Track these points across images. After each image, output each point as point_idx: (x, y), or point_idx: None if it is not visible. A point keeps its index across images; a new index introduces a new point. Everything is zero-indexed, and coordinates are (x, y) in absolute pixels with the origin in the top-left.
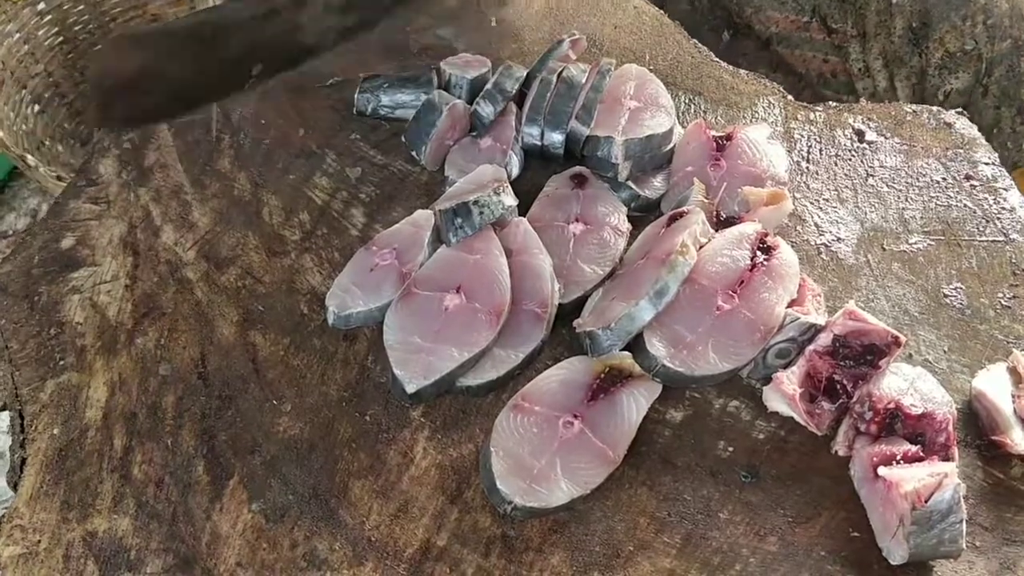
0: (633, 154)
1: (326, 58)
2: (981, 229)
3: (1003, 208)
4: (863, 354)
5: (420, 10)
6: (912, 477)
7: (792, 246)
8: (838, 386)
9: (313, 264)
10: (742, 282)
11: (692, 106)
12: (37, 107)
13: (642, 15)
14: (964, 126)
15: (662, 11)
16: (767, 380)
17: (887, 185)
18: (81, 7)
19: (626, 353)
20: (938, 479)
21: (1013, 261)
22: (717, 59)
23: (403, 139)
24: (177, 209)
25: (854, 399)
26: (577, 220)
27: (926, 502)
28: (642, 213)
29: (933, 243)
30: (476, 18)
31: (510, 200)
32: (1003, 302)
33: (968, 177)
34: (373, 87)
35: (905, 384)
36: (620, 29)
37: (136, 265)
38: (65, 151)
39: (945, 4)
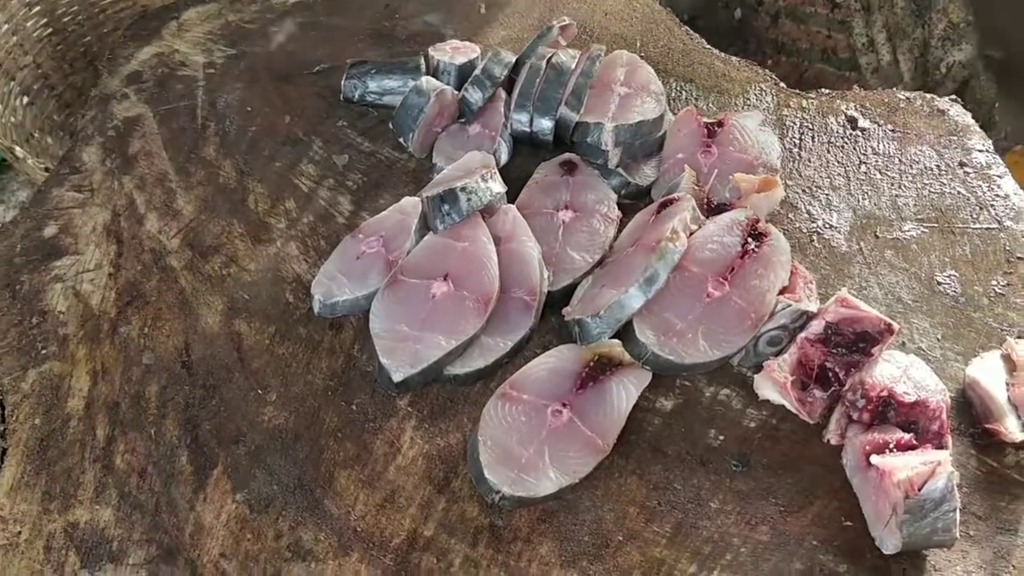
0: (623, 140)
1: (312, 45)
2: (975, 216)
3: (997, 195)
4: (855, 342)
5: None
6: (905, 466)
7: (784, 233)
8: (830, 374)
9: (299, 252)
10: (733, 269)
11: (683, 93)
12: (26, 99)
13: (633, 1)
14: (958, 113)
15: None
16: (758, 368)
17: (880, 172)
18: None
19: (615, 341)
20: (931, 467)
21: (1007, 248)
22: (708, 46)
23: (390, 126)
24: (161, 197)
25: (846, 387)
26: (566, 207)
27: (919, 490)
28: (632, 200)
29: (926, 230)
30: (465, 5)
31: (498, 187)
32: (997, 290)
33: (962, 164)
34: (360, 73)
35: (898, 372)
36: (611, 16)
37: (120, 253)
38: (54, 143)
39: None
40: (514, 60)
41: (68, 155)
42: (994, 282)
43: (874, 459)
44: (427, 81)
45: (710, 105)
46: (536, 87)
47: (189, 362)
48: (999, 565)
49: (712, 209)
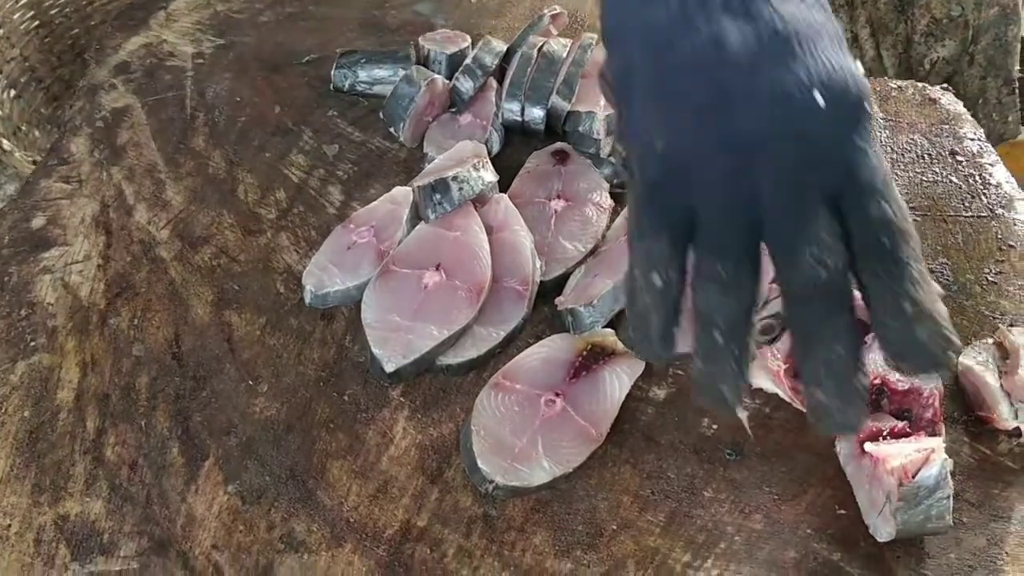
0: (611, 128)
1: (302, 34)
2: (967, 205)
3: (988, 183)
4: None
5: None
6: (899, 453)
7: None
8: None
9: (289, 242)
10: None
11: None
12: (13, 92)
13: None
14: (949, 101)
15: None
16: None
17: None
18: None
19: (608, 330)
20: (925, 455)
21: (999, 236)
22: None
23: (381, 115)
24: (151, 188)
25: None
26: (559, 197)
27: (913, 478)
28: (624, 190)
29: (919, 218)
30: None
31: (490, 176)
32: (989, 278)
33: (953, 153)
34: (350, 63)
35: None
36: None
37: (109, 245)
38: (42, 136)
39: None
40: (505, 49)
41: (56, 146)
42: (986, 270)
43: (868, 447)
44: (417, 70)
45: None
46: (527, 76)
47: (179, 353)
48: (992, 552)
49: None
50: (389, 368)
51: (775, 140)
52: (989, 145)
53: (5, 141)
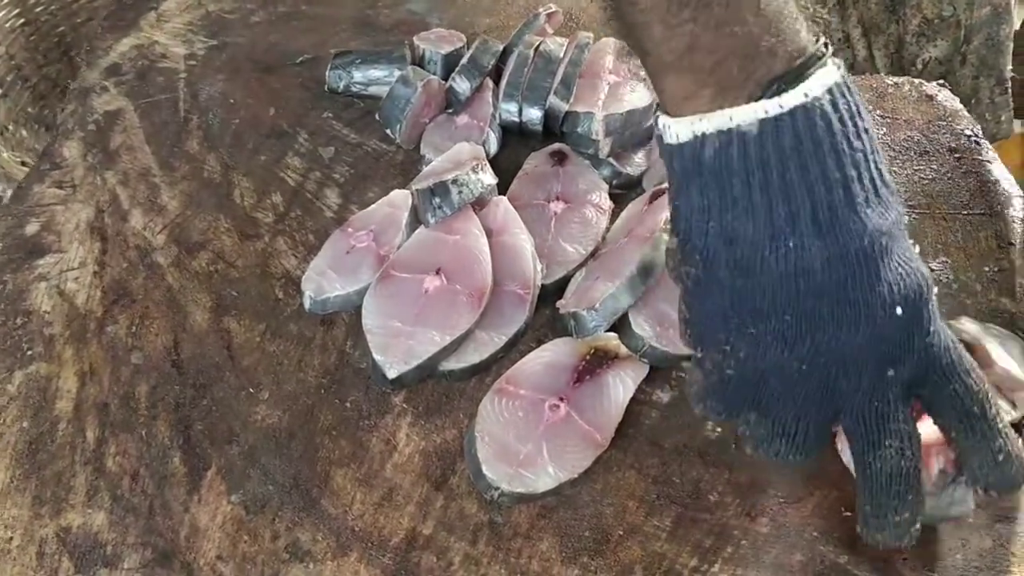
0: (614, 130)
1: (294, 35)
2: (965, 202)
3: (987, 181)
4: None
5: None
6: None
7: None
8: None
9: (287, 247)
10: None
11: None
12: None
13: None
14: (946, 98)
15: None
16: None
17: None
18: None
19: (611, 334)
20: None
21: (998, 234)
22: None
23: (377, 117)
24: (145, 192)
25: None
26: (558, 199)
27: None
28: (623, 190)
29: (918, 217)
30: None
31: (489, 178)
32: (989, 275)
33: (952, 150)
34: (345, 64)
35: None
36: (595, 2)
37: (104, 251)
38: (30, 136)
39: None
40: (501, 49)
41: (48, 150)
42: (986, 268)
43: None
44: (413, 71)
45: None
46: (524, 76)
47: (179, 361)
48: (999, 553)
49: None
50: (391, 374)
51: (857, 353)
52: (986, 142)
53: None
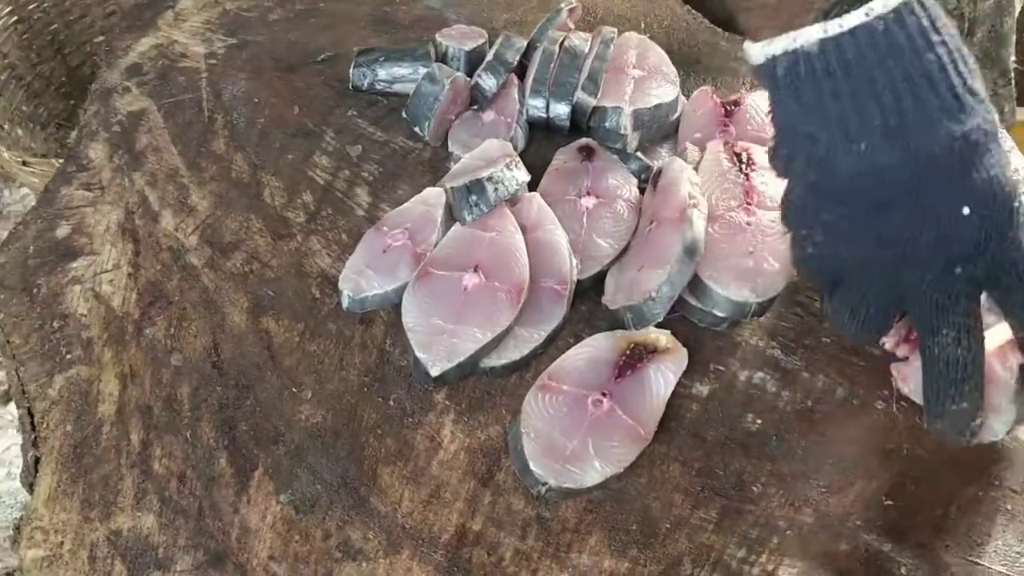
0: (642, 124)
1: (314, 32)
2: None
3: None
4: None
5: None
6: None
7: None
8: None
9: (321, 246)
10: (748, 193)
11: (692, 73)
12: None
13: None
14: None
15: None
16: None
17: None
18: None
19: (651, 328)
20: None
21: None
22: (712, 25)
23: (404, 115)
24: (174, 193)
25: None
26: (588, 194)
27: None
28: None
29: None
30: None
31: (524, 175)
32: None
33: None
34: (369, 61)
35: None
36: None
37: (137, 252)
38: (25, 135)
39: None
40: (525, 45)
41: (73, 152)
42: None
43: None
44: (439, 68)
45: (718, 85)
46: (551, 72)
47: (219, 362)
48: None
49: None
50: (434, 372)
51: (924, 249)
52: (1004, 132)
53: None
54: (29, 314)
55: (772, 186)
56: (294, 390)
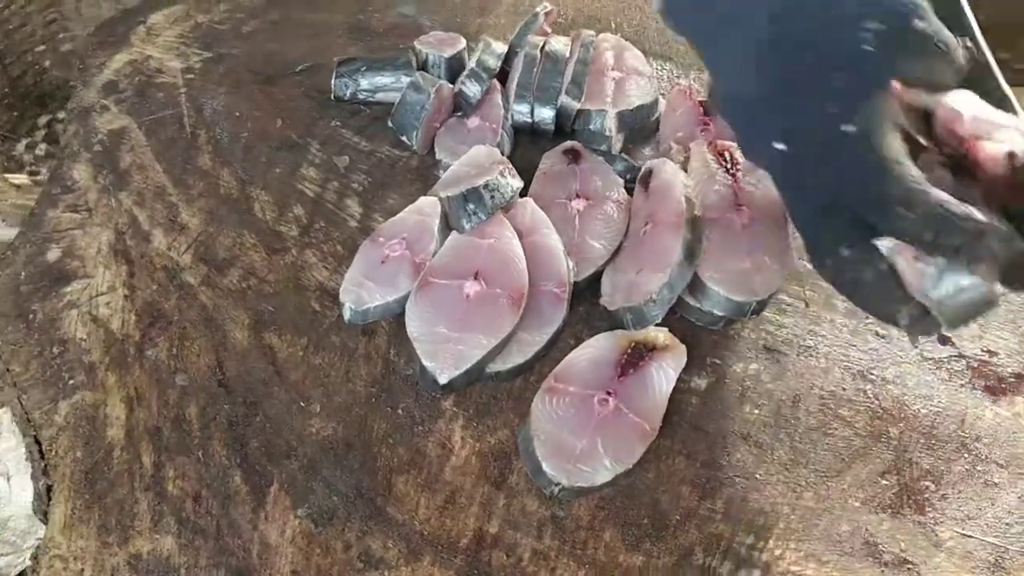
0: (625, 125)
1: (290, 43)
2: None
3: None
4: None
5: None
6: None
7: None
8: None
9: (316, 259)
10: (737, 195)
11: (663, 72)
12: None
13: None
14: None
15: None
16: None
17: None
18: None
19: (655, 327)
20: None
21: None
22: None
23: (390, 124)
24: (164, 212)
25: None
26: (578, 196)
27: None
28: (634, 184)
29: None
30: None
31: (518, 182)
32: None
33: None
34: (350, 71)
35: None
36: None
37: (132, 273)
38: None
39: None
40: (506, 50)
41: (56, 173)
42: None
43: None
44: (423, 77)
45: (691, 83)
46: (534, 77)
47: (225, 380)
48: None
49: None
50: (443, 380)
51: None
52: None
53: None
54: (27, 341)
55: (760, 187)
56: (302, 404)
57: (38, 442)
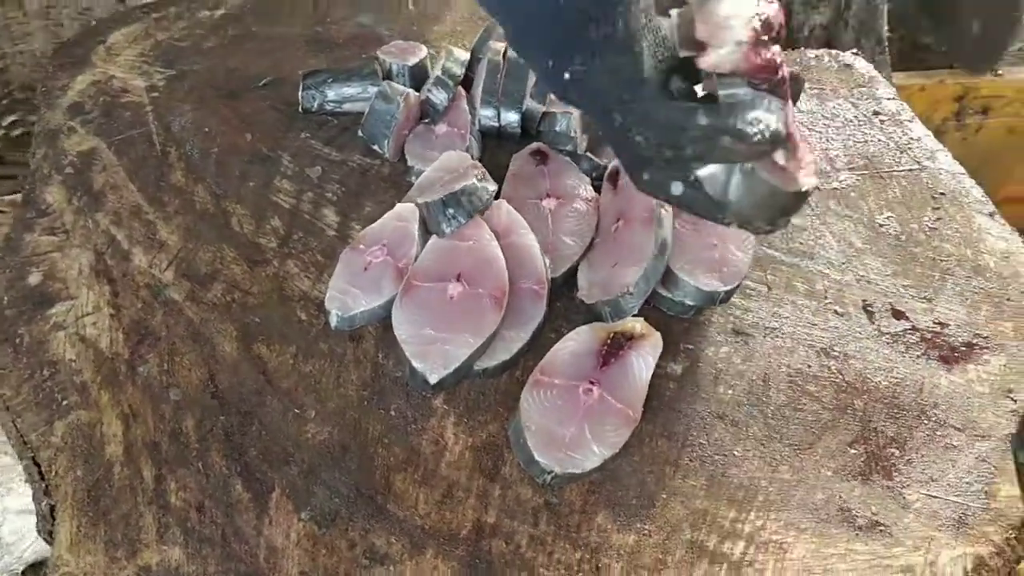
0: (588, 126)
1: (251, 57)
2: (897, 160)
3: (911, 138)
4: None
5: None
6: None
7: None
8: None
9: (298, 269)
10: None
11: None
12: None
13: None
14: (862, 66)
15: None
16: None
17: (808, 128)
18: None
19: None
20: None
21: (930, 186)
22: None
23: (360, 133)
24: (142, 230)
25: None
26: (548, 196)
27: None
28: (601, 181)
29: (859, 178)
30: (393, 3)
31: (493, 185)
32: (929, 225)
33: (876, 113)
34: (317, 83)
35: None
36: None
37: (115, 293)
38: None
39: None
40: (468, 57)
41: (29, 197)
42: (925, 218)
43: None
44: (390, 86)
45: None
46: (499, 82)
47: (218, 392)
48: (982, 468)
49: None
50: (433, 379)
51: None
52: (904, 103)
53: None
54: (16, 365)
55: None
56: (296, 411)
57: (36, 463)
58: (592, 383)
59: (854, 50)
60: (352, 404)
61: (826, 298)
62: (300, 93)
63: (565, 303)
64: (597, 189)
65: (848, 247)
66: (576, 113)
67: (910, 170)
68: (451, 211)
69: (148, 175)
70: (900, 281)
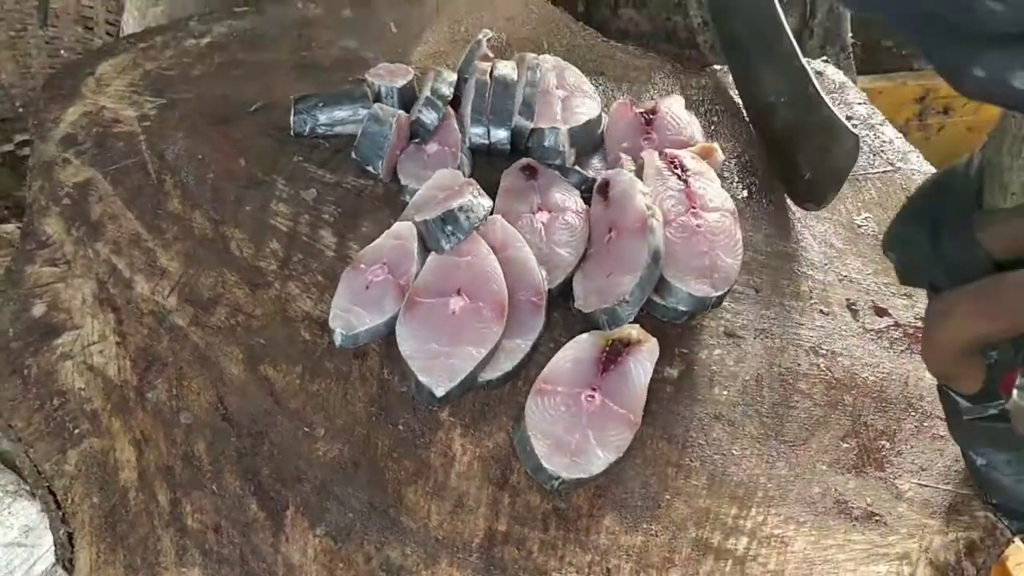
0: (576, 140)
1: (240, 83)
2: (871, 163)
3: (883, 141)
4: None
5: (318, 25)
6: None
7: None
8: None
9: (300, 290)
10: (690, 198)
11: (598, 86)
12: None
13: (529, 4)
14: (833, 72)
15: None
16: None
17: None
18: None
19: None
20: None
21: (904, 187)
22: (607, 39)
23: (354, 155)
24: (142, 258)
25: None
26: (540, 209)
27: None
28: (589, 194)
29: None
30: (375, 25)
31: (488, 201)
32: None
33: (848, 118)
34: (308, 107)
35: None
36: (512, 20)
37: (120, 321)
38: None
39: None
40: (456, 77)
41: (28, 229)
42: None
43: None
44: (381, 109)
45: (625, 95)
46: (487, 101)
47: (228, 414)
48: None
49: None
50: (439, 393)
51: None
52: (875, 108)
53: None
54: (25, 396)
55: (710, 190)
56: (306, 430)
57: (52, 493)
58: (594, 390)
59: (824, 58)
60: (360, 420)
61: (811, 298)
62: (292, 117)
63: (562, 313)
64: (587, 201)
65: (829, 248)
66: (563, 129)
67: (884, 172)
68: (449, 228)
69: (145, 203)
70: (881, 279)
